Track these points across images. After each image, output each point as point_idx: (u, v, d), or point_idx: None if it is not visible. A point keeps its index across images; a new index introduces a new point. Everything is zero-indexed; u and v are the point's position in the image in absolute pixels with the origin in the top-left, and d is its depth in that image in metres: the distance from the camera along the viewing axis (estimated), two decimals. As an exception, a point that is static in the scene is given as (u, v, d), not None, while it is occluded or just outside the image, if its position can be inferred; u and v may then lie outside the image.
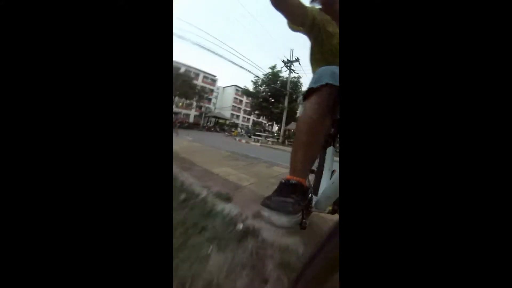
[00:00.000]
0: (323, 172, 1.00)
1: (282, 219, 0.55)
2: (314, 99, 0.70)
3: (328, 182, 0.85)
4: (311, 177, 1.11)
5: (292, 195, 0.61)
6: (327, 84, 0.68)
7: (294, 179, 0.65)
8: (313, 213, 1.02)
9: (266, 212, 0.57)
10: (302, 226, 0.67)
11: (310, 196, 0.75)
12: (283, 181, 0.66)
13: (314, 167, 1.10)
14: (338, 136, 1.09)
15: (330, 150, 1.09)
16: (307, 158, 0.70)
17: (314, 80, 0.72)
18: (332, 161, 1.06)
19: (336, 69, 0.74)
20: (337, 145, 1.10)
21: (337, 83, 0.69)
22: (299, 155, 0.69)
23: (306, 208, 0.67)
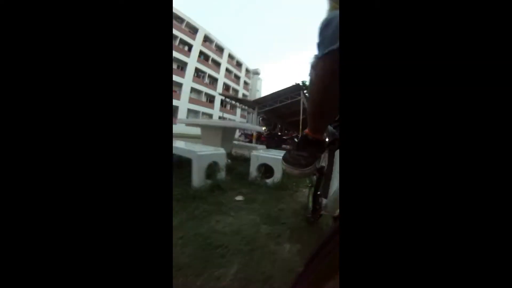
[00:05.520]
0: (332, 175, 1.00)
1: (294, 172, 0.72)
2: (323, 62, 0.66)
3: (337, 185, 0.85)
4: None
5: (308, 148, 0.73)
6: (329, 52, 0.64)
7: (311, 136, 0.74)
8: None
9: (283, 166, 0.74)
10: (309, 220, 0.77)
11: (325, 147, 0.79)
12: (302, 136, 0.76)
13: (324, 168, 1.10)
14: None
15: (338, 153, 1.09)
16: (322, 116, 0.72)
17: (317, 44, 0.68)
18: None
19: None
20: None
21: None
22: (315, 112, 0.72)
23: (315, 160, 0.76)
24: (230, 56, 28.14)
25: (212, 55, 25.61)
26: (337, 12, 0.78)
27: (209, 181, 1.96)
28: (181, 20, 22.34)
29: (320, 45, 0.67)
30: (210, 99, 25.75)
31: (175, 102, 20.96)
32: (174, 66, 21.58)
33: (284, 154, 0.74)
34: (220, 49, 27.10)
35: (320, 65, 0.68)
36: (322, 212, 0.86)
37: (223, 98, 20.10)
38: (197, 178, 1.86)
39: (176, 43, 21.69)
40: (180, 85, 21.98)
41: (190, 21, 23.10)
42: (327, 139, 0.79)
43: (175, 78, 21.35)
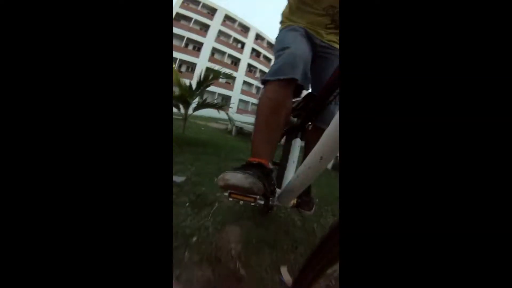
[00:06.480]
0: (288, 165, 0.92)
1: (237, 176, 0.52)
2: (273, 85, 0.66)
3: (293, 176, 0.75)
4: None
5: (253, 169, 0.58)
6: (283, 79, 0.64)
7: (256, 160, 0.62)
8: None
9: (223, 175, 0.54)
10: (264, 212, 0.85)
11: (273, 183, 0.69)
12: (244, 163, 0.63)
13: (278, 159, 1.01)
14: (308, 127, 1.01)
15: (295, 142, 0.99)
16: (268, 140, 0.67)
17: (273, 71, 0.67)
18: (297, 153, 0.96)
19: (300, 52, 0.70)
20: (302, 137, 1.02)
21: (297, 76, 0.65)
22: (259, 137, 0.67)
23: (268, 191, 0.62)
24: (281, 52, 28.77)
25: (264, 52, 26.60)
26: (293, 34, 0.79)
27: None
28: (233, 20, 23.84)
29: (278, 69, 0.66)
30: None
31: (228, 92, 22.74)
32: (228, 61, 23.11)
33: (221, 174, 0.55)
34: (271, 46, 27.46)
35: (275, 90, 0.66)
36: (276, 203, 0.78)
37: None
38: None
39: (230, 41, 23.24)
40: (234, 78, 24.55)
41: (242, 21, 24.66)
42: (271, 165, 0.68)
43: (229, 71, 23.70)
